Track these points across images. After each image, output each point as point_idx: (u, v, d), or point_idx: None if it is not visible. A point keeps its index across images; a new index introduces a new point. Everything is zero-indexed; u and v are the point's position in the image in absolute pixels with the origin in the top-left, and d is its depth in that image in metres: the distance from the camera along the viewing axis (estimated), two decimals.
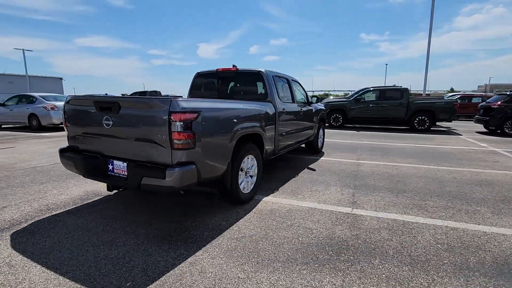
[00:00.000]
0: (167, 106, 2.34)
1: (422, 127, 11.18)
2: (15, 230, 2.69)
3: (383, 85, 12.39)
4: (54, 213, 3.11)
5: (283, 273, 2.05)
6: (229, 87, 4.56)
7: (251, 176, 3.55)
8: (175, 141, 2.37)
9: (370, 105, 11.83)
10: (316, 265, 2.15)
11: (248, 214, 3.08)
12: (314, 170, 5.03)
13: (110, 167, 2.79)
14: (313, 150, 6.36)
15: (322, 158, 6.03)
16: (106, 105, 2.64)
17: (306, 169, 5.08)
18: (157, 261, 2.20)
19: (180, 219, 2.96)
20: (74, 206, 3.29)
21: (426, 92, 20.57)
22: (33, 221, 2.90)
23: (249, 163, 3.45)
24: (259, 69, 4.22)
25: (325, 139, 8.49)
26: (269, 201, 3.50)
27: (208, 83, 4.65)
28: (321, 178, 4.49)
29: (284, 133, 4.42)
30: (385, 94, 11.71)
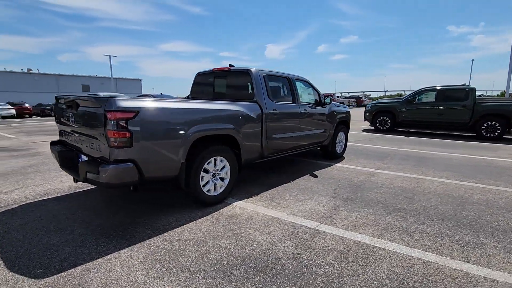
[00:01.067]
0: (104, 105, 2.42)
1: (492, 135, 9.29)
2: (4, 210, 3.14)
3: (466, 84, 10.68)
4: (46, 197, 3.53)
5: (180, 284, 1.93)
6: (222, 87, 4.51)
7: (222, 179, 3.44)
8: (111, 139, 2.45)
9: (425, 107, 10.33)
10: (221, 281, 1.96)
11: (204, 217, 3.00)
12: (316, 177, 4.63)
13: (80, 160, 3.03)
14: (329, 155, 5.86)
15: (336, 164, 5.52)
16: (70, 103, 2.88)
17: (308, 175, 4.71)
18: (83, 252, 2.31)
19: (138, 215, 3.05)
20: (65, 193, 3.69)
21: (510, 93, 16.99)
22: (24, 203, 3.34)
23: (218, 165, 3.36)
24: (248, 68, 4.06)
25: (358, 144, 7.77)
26: (238, 205, 3.35)
27: (206, 82, 4.68)
28: (315, 186, 4.11)
29: (277, 136, 4.17)
30: (445, 94, 10.07)
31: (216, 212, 3.14)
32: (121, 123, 2.43)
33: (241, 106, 3.63)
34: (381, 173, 4.92)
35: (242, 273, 2.06)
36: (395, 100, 11.40)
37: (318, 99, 5.27)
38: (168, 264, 2.16)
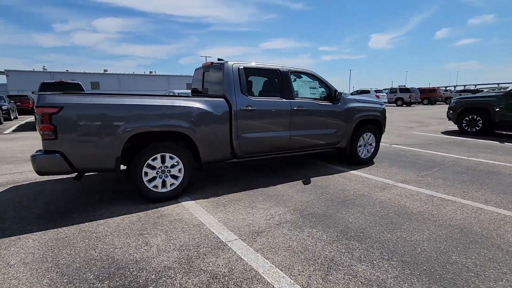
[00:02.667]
0: (36, 100, 2.70)
1: None
2: None
3: None
4: (43, 179, 4.20)
5: (33, 274, 2.00)
6: (208, 82, 4.37)
7: (175, 177, 3.37)
8: (40, 132, 2.72)
9: None
10: (69, 281, 1.93)
11: (137, 213, 3.01)
12: (308, 183, 4.01)
13: None
14: (349, 160, 4.97)
15: (351, 171, 4.63)
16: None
17: (300, 180, 4.12)
18: (10, 228, 2.66)
19: (93, 202, 3.30)
20: (60, 177, 4.30)
21: None
22: (15, 185, 4.05)
23: (168, 162, 3.30)
24: (222, 62, 3.81)
25: (413, 149, 6.42)
26: (183, 205, 3.23)
27: (199, 78, 4.64)
28: (291, 195, 3.57)
29: (253, 135, 3.81)
30: None
31: (153, 210, 3.11)
32: (45, 118, 2.67)
33: (200, 103, 3.45)
34: (399, 187, 3.87)
35: (91, 277, 1.98)
36: (492, 95, 8.70)
37: (328, 95, 4.53)
38: (51, 253, 2.26)
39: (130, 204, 3.24)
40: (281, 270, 2.05)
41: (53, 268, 2.07)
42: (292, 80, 4.25)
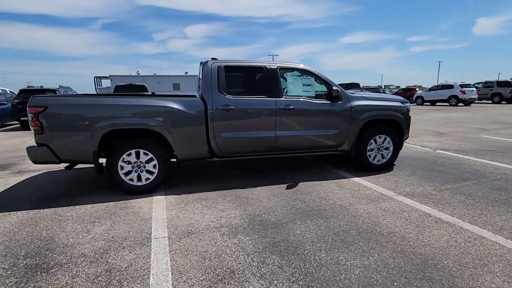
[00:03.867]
0: (29, 101, 3.24)
1: None
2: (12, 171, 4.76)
3: None
4: (50, 170, 4.92)
5: None
6: (200, 81, 4.43)
7: (150, 172, 3.58)
8: (31, 128, 3.25)
9: None
10: None
11: (105, 203, 3.30)
12: (291, 188, 3.74)
13: None
14: (357, 165, 4.41)
15: (354, 178, 4.10)
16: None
17: (284, 184, 3.87)
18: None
19: (79, 191, 3.78)
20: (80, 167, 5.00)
21: None
22: (49, 171, 4.86)
23: (142, 157, 3.52)
24: (206, 60, 3.84)
25: (460, 156, 5.41)
26: (151, 200, 3.40)
27: (199, 78, 4.76)
28: (258, 198, 3.39)
29: (232, 135, 3.75)
30: None
31: (123, 201, 3.35)
32: (34, 116, 3.18)
33: (174, 102, 3.56)
34: (395, 200, 3.27)
35: (22, 253, 2.30)
36: None
37: (327, 92, 4.10)
38: (16, 229, 2.71)
39: (111, 195, 3.58)
40: (172, 274, 2.00)
41: (5, 242, 2.47)
42: (283, 77, 4.00)
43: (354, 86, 23.43)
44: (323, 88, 4.14)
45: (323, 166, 4.82)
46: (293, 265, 2.09)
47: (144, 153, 3.53)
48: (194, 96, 3.78)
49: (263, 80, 3.93)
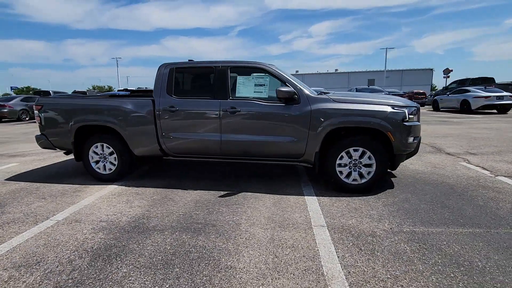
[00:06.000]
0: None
1: None
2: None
3: None
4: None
5: None
6: None
7: (112, 164, 4.10)
8: (36, 121, 4.30)
9: None
10: None
11: (77, 185, 4.02)
12: (224, 197, 3.49)
13: None
14: (329, 182, 3.63)
15: (307, 196, 3.41)
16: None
17: (224, 192, 3.64)
18: None
19: (74, 175, 4.67)
20: None
21: None
22: None
23: (105, 150, 4.07)
24: (162, 63, 4.00)
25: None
26: (102, 187, 3.89)
27: None
28: (175, 200, 3.35)
29: (178, 135, 3.81)
30: None
31: (87, 186, 3.99)
32: (36, 112, 4.20)
33: (129, 103, 3.91)
34: (319, 239, 2.58)
35: None
36: None
37: (289, 94, 3.53)
38: None
39: (90, 180, 4.29)
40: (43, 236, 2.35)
41: None
42: (235, 77, 3.73)
43: (486, 81, 18.22)
44: (283, 89, 3.59)
45: (296, 178, 4.16)
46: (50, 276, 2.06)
47: (107, 147, 4.07)
48: (149, 97, 4.03)
49: (211, 80, 3.78)
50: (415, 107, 3.53)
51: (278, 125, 3.55)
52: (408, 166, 4.65)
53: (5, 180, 4.34)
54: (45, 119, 4.21)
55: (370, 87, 21.38)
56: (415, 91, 26.38)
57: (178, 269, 2.07)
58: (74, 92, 23.22)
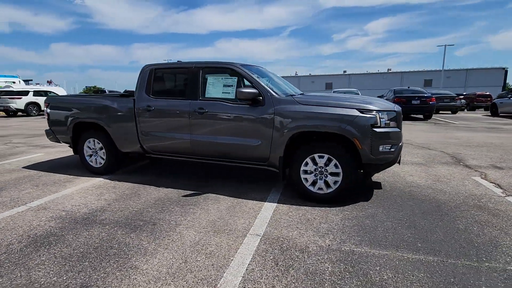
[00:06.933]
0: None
1: None
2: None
3: None
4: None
5: None
6: None
7: (102, 158, 4.43)
8: (45, 117, 4.83)
9: None
10: None
11: (71, 176, 4.43)
12: (187, 196, 3.53)
13: None
14: (296, 189, 3.42)
15: (267, 203, 3.26)
16: None
17: (187, 192, 3.67)
18: None
19: (78, 166, 5.13)
20: None
21: None
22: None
23: (96, 146, 4.41)
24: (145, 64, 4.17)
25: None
26: (89, 179, 4.22)
27: None
28: (141, 195, 3.48)
29: (155, 134, 3.96)
30: None
31: (78, 177, 4.36)
32: (45, 109, 4.72)
33: (114, 101, 4.17)
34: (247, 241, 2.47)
35: None
36: None
37: (251, 95, 3.42)
38: None
39: (84, 172, 4.69)
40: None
41: None
42: (206, 78, 3.72)
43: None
44: (249, 90, 3.48)
45: (272, 183, 3.99)
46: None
47: (97, 142, 4.40)
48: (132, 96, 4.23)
49: (185, 81, 3.83)
50: (394, 111, 3.13)
51: (243, 126, 3.45)
52: (404, 177, 4.14)
53: (22, 167, 4.97)
54: (51, 115, 4.72)
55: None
56: (478, 93, 23.41)
57: (87, 263, 2.16)
58: (125, 91, 25.39)
